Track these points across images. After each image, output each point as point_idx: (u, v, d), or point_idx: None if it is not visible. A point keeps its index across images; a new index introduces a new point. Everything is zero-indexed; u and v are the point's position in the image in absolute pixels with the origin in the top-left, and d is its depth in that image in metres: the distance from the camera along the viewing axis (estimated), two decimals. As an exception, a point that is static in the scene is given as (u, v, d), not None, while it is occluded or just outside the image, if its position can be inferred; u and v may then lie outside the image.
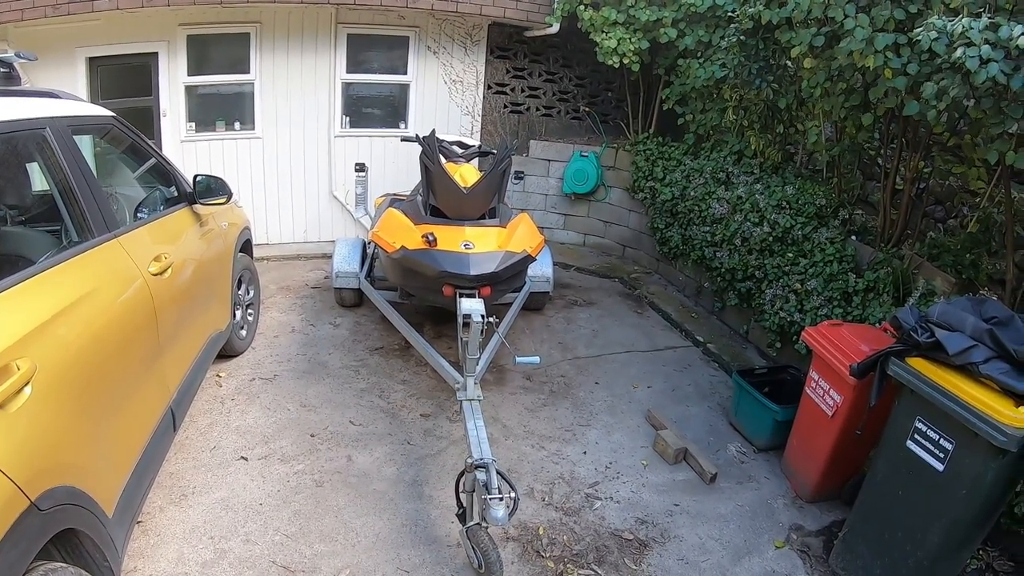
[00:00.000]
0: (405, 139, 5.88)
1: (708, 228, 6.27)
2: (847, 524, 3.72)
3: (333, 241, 7.49)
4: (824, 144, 5.53)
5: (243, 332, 5.27)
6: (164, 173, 4.14)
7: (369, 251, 6.25)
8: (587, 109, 7.81)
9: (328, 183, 7.39)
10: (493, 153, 5.90)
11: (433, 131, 4.97)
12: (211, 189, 4.25)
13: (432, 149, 4.74)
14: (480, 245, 4.55)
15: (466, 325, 4.01)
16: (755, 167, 6.23)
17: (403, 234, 4.69)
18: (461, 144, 5.96)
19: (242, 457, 4.05)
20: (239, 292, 5.11)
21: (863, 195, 5.92)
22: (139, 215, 3.66)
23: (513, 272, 4.64)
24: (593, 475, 4.29)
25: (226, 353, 4.97)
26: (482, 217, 4.93)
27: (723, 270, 6.09)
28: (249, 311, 5.43)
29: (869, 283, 4.98)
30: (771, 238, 5.62)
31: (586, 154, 7.50)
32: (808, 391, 4.33)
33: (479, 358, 4.12)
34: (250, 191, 7.07)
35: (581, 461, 4.41)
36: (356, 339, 5.70)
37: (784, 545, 3.87)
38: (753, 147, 6.26)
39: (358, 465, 4.09)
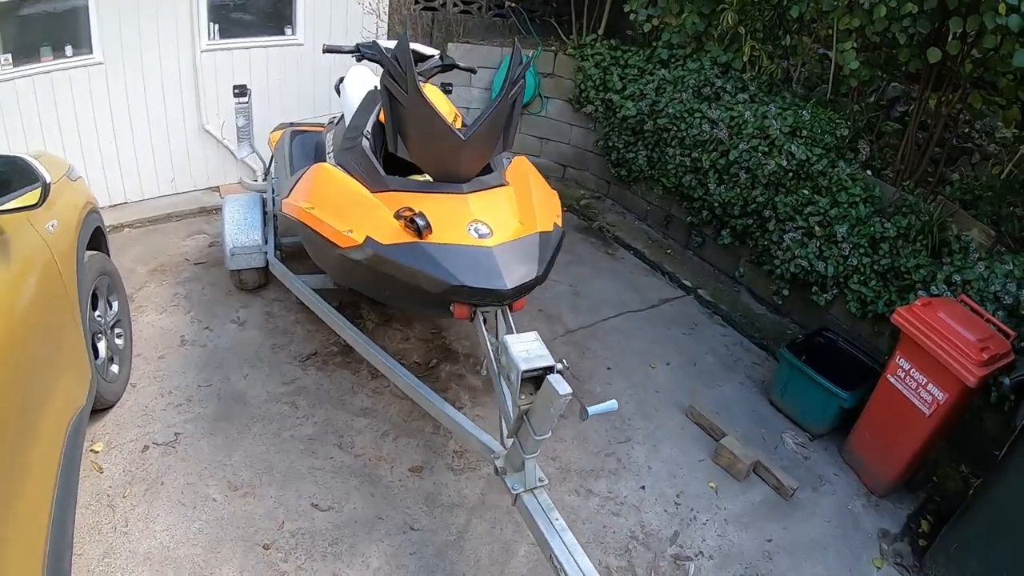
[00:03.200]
0: (330, 50, 3.68)
1: (688, 152, 4.81)
2: (950, 535, 3.04)
3: (212, 190, 5.34)
4: (854, 67, 4.12)
5: (114, 368, 3.25)
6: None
7: (271, 209, 4.25)
8: (513, 4, 5.92)
9: (197, 114, 5.10)
10: (457, 65, 3.88)
11: (405, 34, 2.68)
12: (4, 184, 2.24)
13: (406, 67, 2.63)
14: (498, 228, 2.70)
15: (525, 382, 2.27)
16: (749, 83, 4.76)
17: (361, 213, 2.73)
18: (416, 55, 3.62)
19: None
20: (96, 314, 3.10)
21: (871, 125, 4.66)
22: None
23: (553, 262, 2.90)
24: (667, 521, 3.05)
25: (97, 406, 2.99)
26: (479, 175, 3.01)
27: (711, 202, 4.71)
28: (117, 332, 3.41)
29: (900, 229, 3.90)
30: (782, 171, 4.26)
31: (519, 60, 5.73)
32: (892, 379, 3.35)
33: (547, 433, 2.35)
34: (95, 137, 4.65)
35: (645, 502, 3.13)
36: (275, 343, 3.80)
37: (882, 563, 3.11)
38: (745, 58, 4.75)
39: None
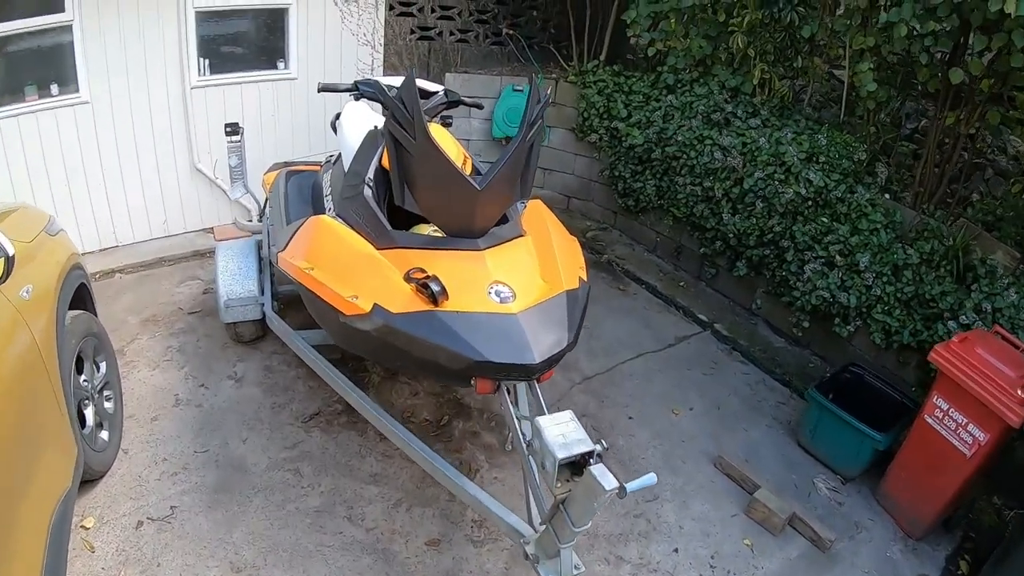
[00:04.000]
0: (326, 88, 3.47)
1: (699, 180, 4.59)
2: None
3: (206, 231, 5.07)
4: (872, 89, 3.92)
5: (103, 435, 2.99)
6: None
7: (267, 255, 3.92)
8: (510, 32, 5.71)
9: (188, 153, 4.87)
10: (464, 102, 3.58)
11: (411, 73, 2.38)
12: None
13: (414, 111, 2.35)
14: (522, 289, 2.40)
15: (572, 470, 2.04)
16: (760, 107, 4.54)
17: (367, 275, 2.44)
18: (420, 92, 3.26)
19: None
20: (82, 379, 2.84)
21: (886, 147, 4.47)
22: None
23: (582, 323, 2.62)
24: (704, 589, 2.74)
25: (86, 477, 2.72)
26: (494, 227, 2.70)
27: (724, 233, 4.48)
28: (106, 395, 3.13)
29: (923, 255, 3.71)
30: (800, 199, 4.04)
31: (520, 88, 5.49)
32: (929, 420, 3.14)
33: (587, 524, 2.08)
34: (83, 179, 4.39)
35: (679, 568, 2.90)
36: (276, 402, 3.52)
37: (927, 614, 2.76)
38: (755, 82, 4.53)
39: None
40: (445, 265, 2.40)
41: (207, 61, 4.69)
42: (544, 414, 2.18)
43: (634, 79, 5.19)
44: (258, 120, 5.01)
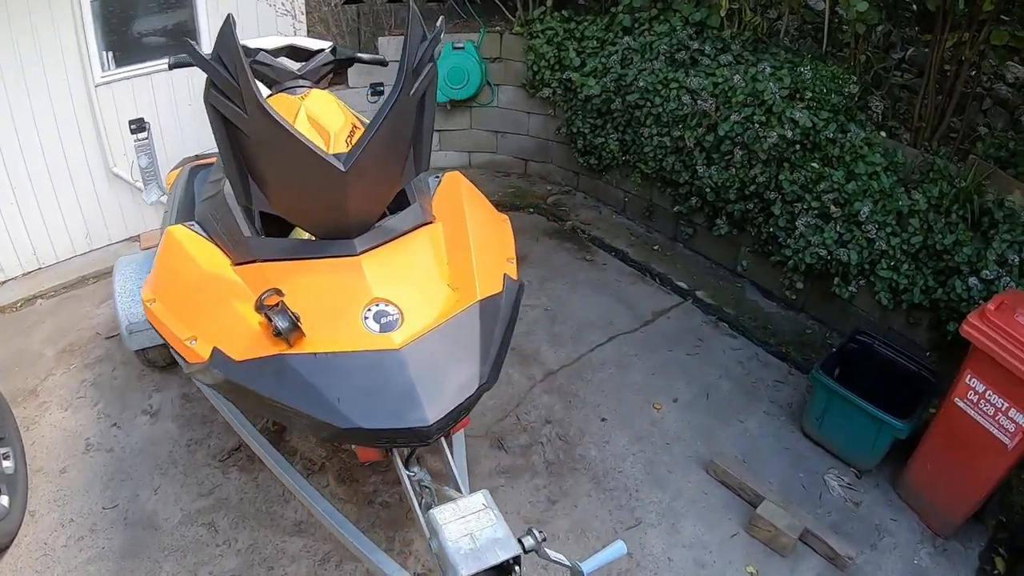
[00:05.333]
0: (177, 64, 2.59)
1: (667, 130, 3.92)
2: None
3: (132, 240, 4.38)
4: (862, 9, 3.23)
5: (3, 501, 2.46)
6: None
7: None
8: (446, -17, 4.96)
9: (102, 157, 4.13)
10: (360, 59, 2.83)
11: (228, 19, 1.64)
12: None
13: (237, 72, 1.65)
14: (412, 306, 1.75)
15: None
16: (731, 41, 3.84)
17: (210, 307, 1.81)
18: (295, 50, 2.60)
19: None
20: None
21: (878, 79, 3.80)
22: None
23: (508, 342, 1.92)
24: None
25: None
26: (384, 216, 2.04)
27: (700, 187, 3.84)
28: (3, 453, 2.61)
29: (931, 200, 3.12)
30: (785, 143, 3.38)
31: (460, 45, 4.76)
32: (961, 403, 2.54)
33: None
34: None
35: None
36: (192, 438, 2.93)
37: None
38: (722, 13, 3.81)
39: None
40: (308, 282, 1.75)
41: (111, 54, 3.96)
42: (457, 485, 1.55)
43: (586, 23, 4.45)
44: (174, 113, 4.29)
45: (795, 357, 3.45)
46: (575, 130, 4.58)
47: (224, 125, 1.72)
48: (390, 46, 4.77)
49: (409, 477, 1.77)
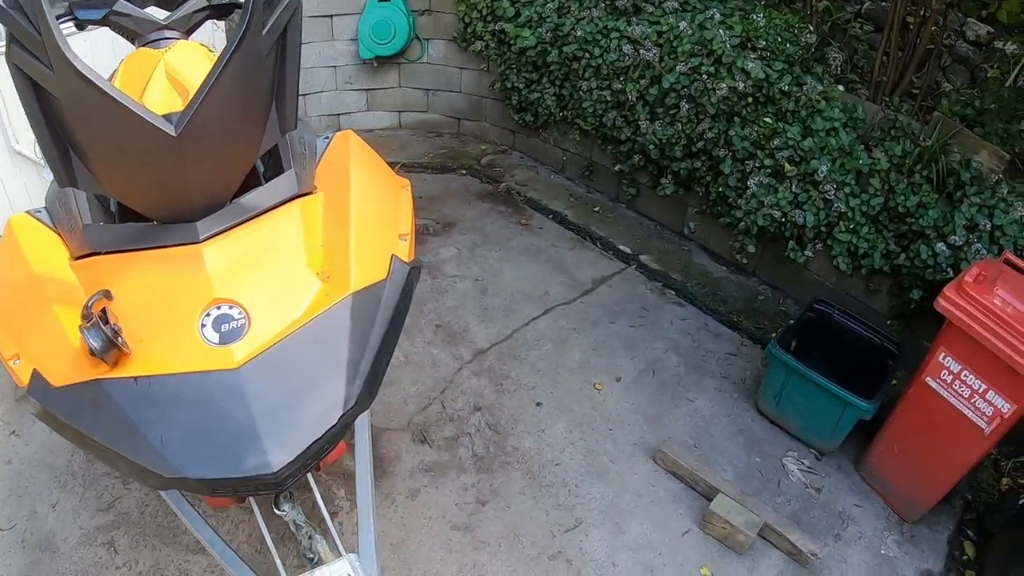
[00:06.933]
0: None
1: (607, 83, 3.49)
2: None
3: None
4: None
5: None
6: None
7: None
8: (366, -80, 4.37)
9: (3, 134, 3.47)
10: (234, 1, 2.02)
11: None
12: None
13: (38, 20, 1.13)
14: (265, 306, 1.29)
15: None
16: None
17: (36, 317, 1.32)
18: None
19: None
20: None
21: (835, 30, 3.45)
22: None
23: (392, 342, 1.45)
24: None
25: None
26: (240, 193, 1.48)
27: (643, 144, 3.45)
28: None
29: (893, 159, 2.82)
30: (736, 96, 3.00)
31: (385, -4, 4.23)
32: (933, 383, 2.26)
33: None
34: None
35: None
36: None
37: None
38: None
39: None
40: (139, 280, 1.31)
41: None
42: (335, 540, 1.12)
43: (520, -33, 3.96)
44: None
45: (747, 326, 3.13)
46: (510, 85, 4.11)
47: (32, 88, 1.26)
48: (307, 1, 4.19)
49: (283, 515, 1.32)
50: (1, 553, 2.12)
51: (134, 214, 1.52)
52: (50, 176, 2.87)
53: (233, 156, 1.45)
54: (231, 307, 1.28)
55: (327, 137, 1.81)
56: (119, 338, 1.15)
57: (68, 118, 1.29)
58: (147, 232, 1.39)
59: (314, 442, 1.21)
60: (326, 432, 1.23)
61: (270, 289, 1.33)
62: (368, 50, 4.36)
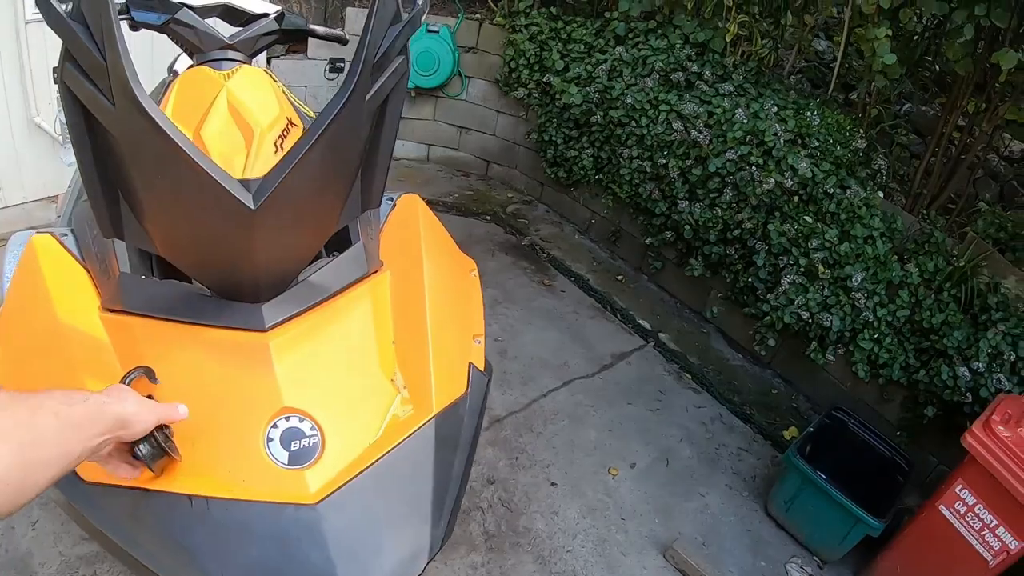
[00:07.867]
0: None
1: (649, 154, 3.52)
2: None
3: (49, 200, 3.63)
4: (889, 62, 2.87)
5: None
6: None
7: None
8: (425, -46, 4.42)
9: (24, 105, 3.36)
10: (313, 32, 1.83)
11: None
12: None
13: (105, 43, 0.95)
14: (340, 422, 1.12)
15: None
16: (733, 70, 3.45)
17: (59, 383, 1.10)
18: (231, 12, 1.72)
19: None
20: None
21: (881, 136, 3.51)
22: None
23: (470, 469, 1.30)
24: None
25: None
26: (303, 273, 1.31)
27: (678, 222, 3.47)
28: None
29: (925, 275, 2.85)
30: (781, 191, 3.03)
31: (435, 28, 4.24)
32: (946, 512, 2.29)
33: None
34: None
35: None
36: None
37: None
38: (729, 38, 3.40)
39: None
40: (191, 364, 1.15)
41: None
42: None
43: (575, 25, 4.00)
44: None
45: (759, 420, 3.14)
46: (547, 138, 4.14)
47: (84, 119, 1.08)
48: (359, 18, 4.20)
49: None
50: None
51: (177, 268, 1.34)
52: (67, 159, 2.81)
53: (310, 232, 1.28)
54: (301, 419, 1.12)
55: (391, 199, 1.66)
56: (170, 442, 0.99)
57: (124, 163, 1.11)
58: (200, 304, 1.21)
59: None
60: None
61: (342, 398, 1.20)
62: (411, 79, 4.37)
